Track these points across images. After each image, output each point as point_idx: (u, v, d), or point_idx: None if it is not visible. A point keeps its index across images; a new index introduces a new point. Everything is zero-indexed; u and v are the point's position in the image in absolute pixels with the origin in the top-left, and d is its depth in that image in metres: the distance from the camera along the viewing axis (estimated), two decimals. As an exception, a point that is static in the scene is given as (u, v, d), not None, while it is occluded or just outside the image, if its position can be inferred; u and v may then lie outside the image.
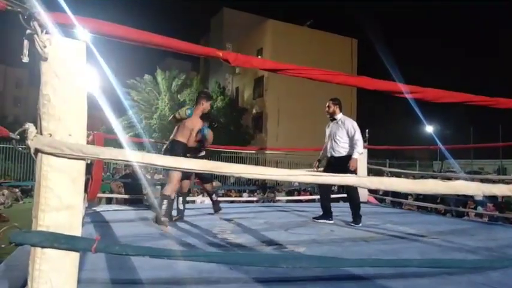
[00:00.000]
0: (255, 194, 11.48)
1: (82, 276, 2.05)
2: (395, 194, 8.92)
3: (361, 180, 1.63)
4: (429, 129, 22.32)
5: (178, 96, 23.56)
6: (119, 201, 6.86)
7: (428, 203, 7.46)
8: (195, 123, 4.13)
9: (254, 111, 27.03)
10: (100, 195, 6.10)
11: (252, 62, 1.42)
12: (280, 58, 22.57)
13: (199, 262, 2.06)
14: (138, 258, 2.42)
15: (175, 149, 4.04)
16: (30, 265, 1.22)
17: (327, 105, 4.57)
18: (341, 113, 4.57)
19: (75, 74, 1.27)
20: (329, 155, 4.59)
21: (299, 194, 11.26)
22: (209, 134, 4.29)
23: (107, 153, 1.32)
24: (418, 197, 8.81)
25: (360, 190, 6.54)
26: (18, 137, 1.20)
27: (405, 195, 8.55)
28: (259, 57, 25.58)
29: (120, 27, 1.40)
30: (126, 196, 6.29)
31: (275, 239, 3.28)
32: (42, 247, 1.21)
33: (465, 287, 2.10)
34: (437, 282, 2.15)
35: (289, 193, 12.45)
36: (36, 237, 1.21)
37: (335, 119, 4.55)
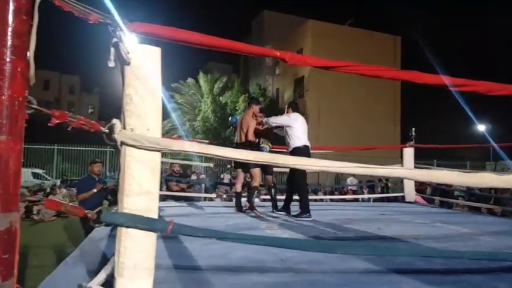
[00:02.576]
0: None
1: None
2: (444, 194, 8.61)
3: (412, 172, 1.68)
4: (481, 127, 21.16)
5: (220, 98, 24.10)
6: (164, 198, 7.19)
7: (481, 203, 7.13)
8: (249, 122, 4.76)
9: (295, 111, 26.93)
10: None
11: (306, 60, 1.53)
12: (321, 58, 22.38)
13: (252, 251, 2.20)
14: (196, 248, 2.62)
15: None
16: (117, 242, 1.41)
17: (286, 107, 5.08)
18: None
19: (152, 76, 1.44)
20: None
21: (340, 194, 11.18)
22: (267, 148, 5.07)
23: (178, 145, 1.49)
24: (470, 198, 8.44)
25: (406, 190, 6.47)
26: (108, 130, 1.40)
27: (455, 196, 8.23)
28: (299, 57, 25.50)
29: (186, 32, 1.56)
30: (171, 193, 6.62)
31: (321, 235, 3.35)
32: (127, 227, 1.39)
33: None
34: (491, 279, 2.13)
35: (331, 193, 12.39)
36: (122, 218, 1.39)
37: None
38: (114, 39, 1.36)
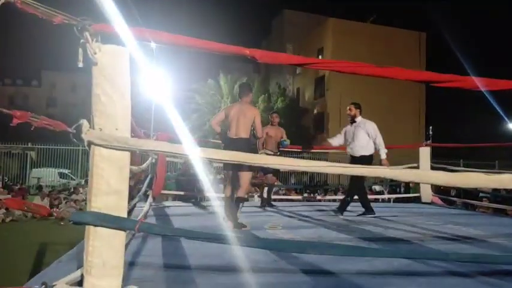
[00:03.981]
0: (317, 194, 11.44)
1: (140, 260, 2.30)
2: (468, 195, 8.28)
3: (394, 172, 1.61)
4: (512, 126, 20.21)
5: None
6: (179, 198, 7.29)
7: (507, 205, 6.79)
8: (254, 113, 3.93)
9: (315, 111, 26.78)
10: (165, 192, 6.55)
11: (278, 58, 1.50)
12: (342, 56, 22.10)
13: (248, 251, 2.17)
14: (192, 246, 2.62)
15: (241, 146, 3.69)
16: (85, 241, 1.43)
17: (348, 108, 4.91)
18: (360, 117, 4.84)
19: (120, 76, 1.45)
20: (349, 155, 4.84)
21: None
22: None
23: (148, 144, 1.49)
24: (496, 199, 8.09)
25: (423, 190, 6.27)
26: (75, 131, 1.41)
27: (479, 197, 7.89)
28: (319, 57, 25.31)
29: (165, 34, 1.56)
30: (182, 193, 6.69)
31: (324, 236, 3.30)
32: (95, 225, 1.40)
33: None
34: (488, 283, 2.02)
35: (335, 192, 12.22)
36: (90, 217, 1.41)
37: (355, 122, 4.82)
38: (81, 40, 1.37)
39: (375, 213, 4.61)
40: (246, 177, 3.79)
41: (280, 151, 5.67)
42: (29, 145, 15.32)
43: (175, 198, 7.20)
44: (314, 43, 27.16)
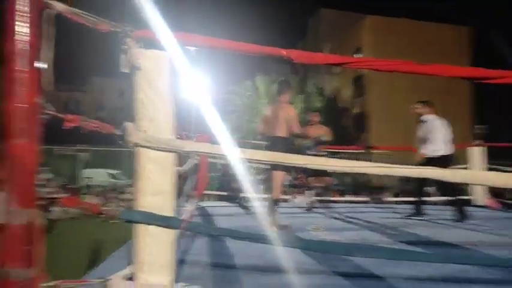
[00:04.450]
0: (362, 195, 11.22)
1: (188, 258, 2.38)
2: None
3: (441, 173, 1.54)
4: None
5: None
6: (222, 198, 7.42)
7: None
8: (291, 112, 3.89)
9: (355, 111, 26.20)
10: (208, 192, 6.71)
11: (314, 58, 1.49)
12: (382, 54, 21.47)
13: (291, 252, 2.18)
14: (236, 246, 2.66)
15: (276, 144, 3.75)
16: (135, 239, 1.50)
17: (414, 107, 4.71)
18: (431, 114, 4.59)
19: (162, 80, 1.51)
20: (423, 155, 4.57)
21: (405, 195, 10.57)
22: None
23: (190, 146, 1.54)
24: None
25: (475, 192, 5.90)
26: (121, 133, 1.49)
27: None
28: (360, 55, 24.71)
29: (201, 37, 1.61)
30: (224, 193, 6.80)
31: (368, 238, 3.22)
32: (144, 223, 1.47)
33: None
34: None
35: (396, 195, 11.82)
36: (139, 215, 1.47)
37: (423, 121, 4.61)
38: (125, 46, 1.45)
39: (422, 217, 4.46)
40: (278, 177, 3.78)
41: (327, 151, 5.52)
42: (80, 147, 16.23)
43: (218, 198, 7.33)
44: (351, 42, 26.60)
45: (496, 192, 6.29)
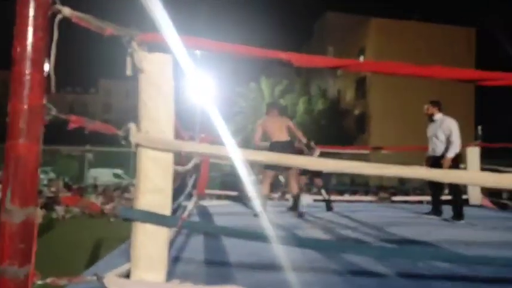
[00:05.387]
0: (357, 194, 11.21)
1: (183, 256, 2.42)
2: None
3: (433, 173, 1.57)
4: None
5: (281, 101, 24.26)
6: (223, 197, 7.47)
7: None
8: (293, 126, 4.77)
9: (356, 112, 26.22)
10: (210, 191, 6.75)
11: (313, 61, 1.52)
12: (385, 56, 21.44)
13: (287, 249, 2.23)
14: (233, 244, 2.70)
15: (287, 147, 4.46)
16: (133, 236, 1.54)
17: (425, 107, 4.79)
18: (441, 114, 4.71)
19: (165, 82, 1.55)
20: (431, 155, 4.71)
21: (407, 195, 10.61)
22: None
23: (190, 146, 1.58)
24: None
25: (471, 192, 5.95)
26: (124, 133, 1.53)
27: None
28: (361, 58, 24.75)
29: (202, 40, 1.65)
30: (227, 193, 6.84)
31: (364, 237, 3.25)
32: (141, 222, 1.51)
33: None
34: None
35: (394, 194, 11.80)
36: (137, 213, 1.52)
37: (433, 120, 4.73)
38: (129, 50, 1.49)
39: (440, 216, 4.58)
40: (293, 174, 4.53)
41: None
42: (87, 147, 16.40)
43: (219, 197, 7.38)
44: (355, 44, 26.64)
45: (492, 193, 6.31)
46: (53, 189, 10.89)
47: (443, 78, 1.58)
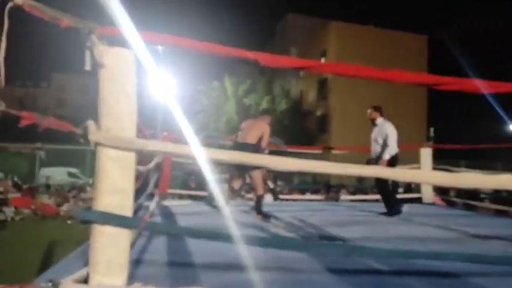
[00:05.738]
0: (319, 193, 11.41)
1: (145, 258, 2.34)
2: (468, 196, 8.25)
3: (394, 172, 1.63)
4: (515, 127, 20.09)
5: (245, 100, 24.28)
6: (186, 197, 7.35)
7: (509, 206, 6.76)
8: (264, 129, 4.59)
9: (318, 113, 26.82)
10: (172, 191, 6.61)
11: (280, 61, 1.53)
12: (346, 59, 22.09)
13: (252, 249, 2.22)
14: (196, 244, 2.64)
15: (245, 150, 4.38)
16: (91, 239, 1.47)
17: (368, 112, 5.02)
18: (381, 118, 4.93)
19: (127, 78, 1.49)
20: (372, 157, 4.97)
21: (363, 194, 10.94)
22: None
23: (153, 145, 1.53)
24: (497, 200, 8.04)
25: (424, 191, 6.27)
26: (82, 131, 1.45)
27: (481, 198, 7.87)
28: (322, 59, 25.37)
29: (164, 36, 1.60)
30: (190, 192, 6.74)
31: (326, 235, 3.32)
32: (101, 224, 1.44)
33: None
34: (490, 283, 2.04)
35: (354, 193, 12.15)
36: (95, 215, 1.45)
37: (376, 124, 4.96)
38: (88, 43, 1.41)
39: (393, 215, 4.66)
40: (256, 175, 4.39)
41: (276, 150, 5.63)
42: (38, 145, 15.52)
43: (182, 197, 7.24)
44: (318, 46, 27.23)
45: (441, 191, 6.69)
46: (0, 189, 10.20)
47: (404, 82, 1.65)
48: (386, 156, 4.65)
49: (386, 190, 4.85)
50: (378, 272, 2.16)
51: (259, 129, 4.57)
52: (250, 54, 1.50)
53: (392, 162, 4.67)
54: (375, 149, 4.90)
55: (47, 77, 46.43)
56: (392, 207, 4.71)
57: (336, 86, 24.72)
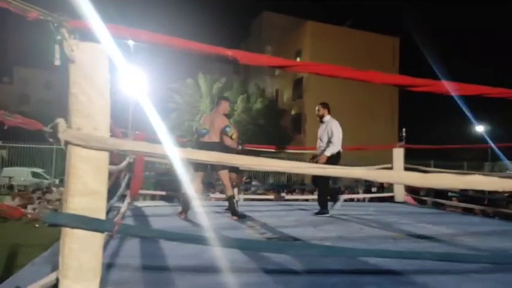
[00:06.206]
0: (294, 193, 11.46)
1: (117, 262, 2.26)
2: (437, 194, 8.56)
3: (369, 173, 1.65)
4: (480, 128, 21.07)
5: (220, 99, 24.11)
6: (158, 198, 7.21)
7: (475, 204, 7.06)
8: (221, 122, 4.42)
9: (293, 112, 27.04)
10: (144, 192, 6.46)
11: (259, 60, 1.51)
12: (320, 59, 22.39)
13: (226, 250, 2.19)
14: (170, 247, 2.60)
15: (213, 149, 4.23)
16: (61, 243, 1.39)
17: (316, 108, 5.04)
18: (329, 116, 4.97)
19: (99, 74, 1.42)
20: (316, 154, 5.03)
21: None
22: (231, 131, 4.52)
23: (127, 145, 1.47)
24: (463, 198, 8.38)
25: (396, 190, 6.44)
26: (51, 130, 1.37)
27: (448, 197, 8.17)
28: (298, 59, 25.60)
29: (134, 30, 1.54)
30: (163, 193, 6.62)
31: (301, 235, 3.33)
32: (72, 227, 1.37)
33: (489, 285, 2.04)
34: (461, 280, 2.11)
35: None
36: (66, 218, 1.37)
37: (323, 121, 4.98)
38: (58, 37, 1.34)
39: (329, 214, 4.64)
40: (224, 175, 4.30)
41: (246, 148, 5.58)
42: None
43: (154, 198, 7.10)
44: (292, 45, 27.45)
45: (412, 190, 6.89)
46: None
47: (380, 83, 1.66)
48: (327, 153, 4.65)
49: (326, 189, 4.86)
50: (352, 272, 2.18)
51: (218, 125, 4.39)
52: (230, 52, 1.47)
53: (334, 161, 4.64)
54: (319, 146, 4.91)
55: (9, 71, 44.31)
56: (327, 205, 4.69)
57: (311, 86, 25.02)
